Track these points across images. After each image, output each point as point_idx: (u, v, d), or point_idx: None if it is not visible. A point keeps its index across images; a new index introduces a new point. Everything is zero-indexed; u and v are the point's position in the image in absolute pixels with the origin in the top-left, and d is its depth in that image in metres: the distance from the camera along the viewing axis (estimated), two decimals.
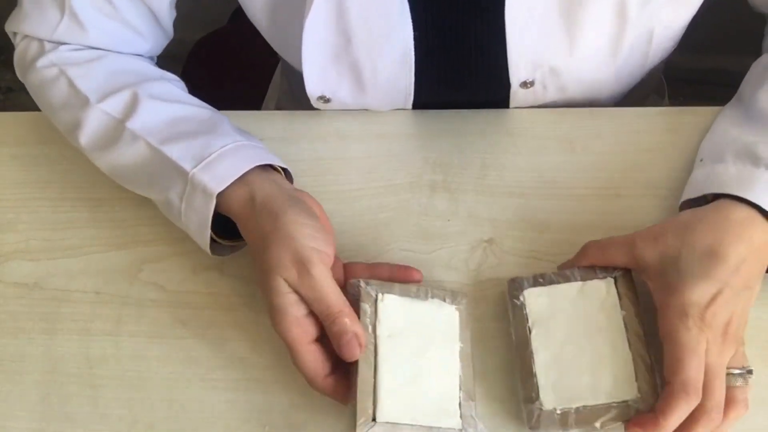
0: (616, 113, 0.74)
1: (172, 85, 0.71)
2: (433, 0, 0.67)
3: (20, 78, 0.74)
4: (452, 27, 0.69)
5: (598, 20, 0.66)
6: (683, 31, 0.72)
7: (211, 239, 0.63)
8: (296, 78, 0.73)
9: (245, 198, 0.61)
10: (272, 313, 0.58)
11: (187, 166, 0.62)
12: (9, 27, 0.72)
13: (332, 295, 0.57)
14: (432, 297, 0.62)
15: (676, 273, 0.56)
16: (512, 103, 0.74)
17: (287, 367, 0.63)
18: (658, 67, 0.80)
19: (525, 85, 0.71)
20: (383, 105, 0.74)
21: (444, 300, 0.62)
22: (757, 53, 0.74)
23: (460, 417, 0.58)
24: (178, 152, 0.63)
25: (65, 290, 0.69)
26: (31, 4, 0.70)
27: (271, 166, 0.65)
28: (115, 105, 0.67)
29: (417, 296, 0.61)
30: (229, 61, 1.22)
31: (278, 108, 0.99)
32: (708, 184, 0.61)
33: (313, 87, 0.72)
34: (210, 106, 0.70)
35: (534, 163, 0.71)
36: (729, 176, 0.60)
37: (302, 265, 0.57)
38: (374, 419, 0.56)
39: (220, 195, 0.60)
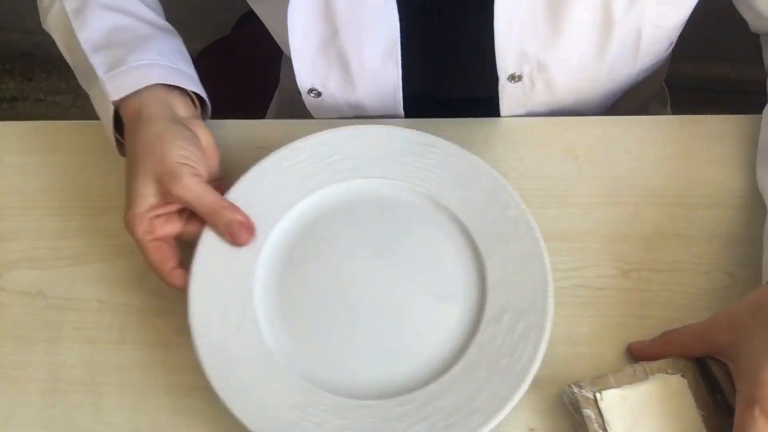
0: (618, 122, 0.74)
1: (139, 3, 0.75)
2: None
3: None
4: (439, 17, 0.70)
5: (581, 14, 0.66)
6: (676, 33, 0.72)
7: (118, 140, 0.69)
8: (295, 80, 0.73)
9: (134, 110, 0.67)
10: (126, 210, 0.63)
11: (100, 72, 0.68)
12: None
13: (209, 196, 0.63)
14: (652, 374, 0.58)
15: (747, 356, 0.52)
16: (502, 99, 0.74)
17: None
18: (659, 75, 0.80)
19: (513, 78, 0.71)
20: (373, 99, 0.75)
21: (666, 372, 0.58)
22: (760, 61, 0.74)
23: None
24: (99, 59, 0.69)
25: (68, 298, 0.69)
26: None
27: (188, 94, 0.70)
28: (70, 4, 0.72)
29: (635, 379, 0.58)
30: (233, 70, 1.23)
31: (282, 116, 0.99)
32: None
33: (303, 78, 0.73)
34: (163, 22, 0.75)
35: (536, 172, 0.71)
36: None
37: (172, 176, 0.62)
38: None
39: (122, 102, 0.67)
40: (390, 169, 0.69)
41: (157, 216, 0.64)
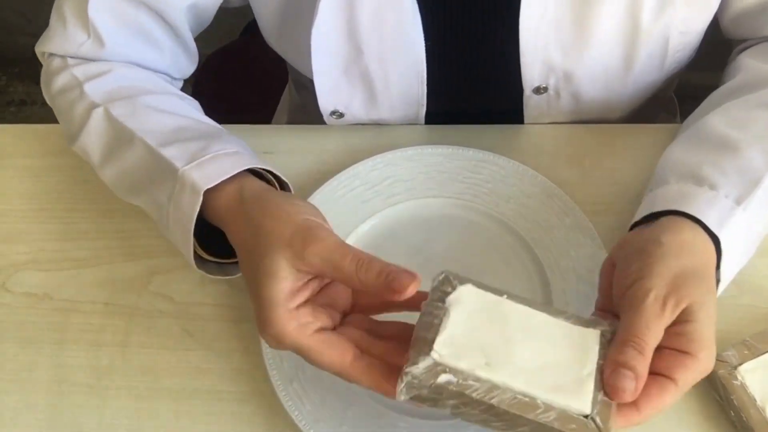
0: (626, 130, 0.74)
1: (180, 101, 0.71)
2: (445, 7, 0.67)
3: (43, 88, 0.74)
4: (464, 34, 0.70)
5: (608, 23, 0.66)
6: (700, 39, 0.72)
7: (198, 254, 0.61)
8: (307, 93, 0.73)
9: (234, 194, 0.58)
10: (261, 315, 0.51)
11: (178, 164, 0.60)
12: (38, 48, 0.74)
13: (352, 248, 0.52)
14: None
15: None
16: (526, 110, 0.74)
17: None
18: (669, 85, 0.80)
19: (538, 90, 0.71)
20: (396, 117, 0.75)
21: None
22: None
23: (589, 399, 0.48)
24: (172, 152, 0.61)
25: (74, 301, 0.69)
26: (57, 26, 0.71)
27: (266, 180, 0.63)
28: (118, 110, 0.66)
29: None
30: (241, 75, 1.23)
31: (289, 122, 0.99)
32: (651, 206, 0.58)
33: (325, 101, 0.72)
34: (216, 124, 0.69)
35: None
36: (672, 195, 0.58)
37: (307, 233, 0.52)
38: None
39: (208, 194, 0.58)
40: (444, 187, 0.70)
41: (302, 304, 0.52)
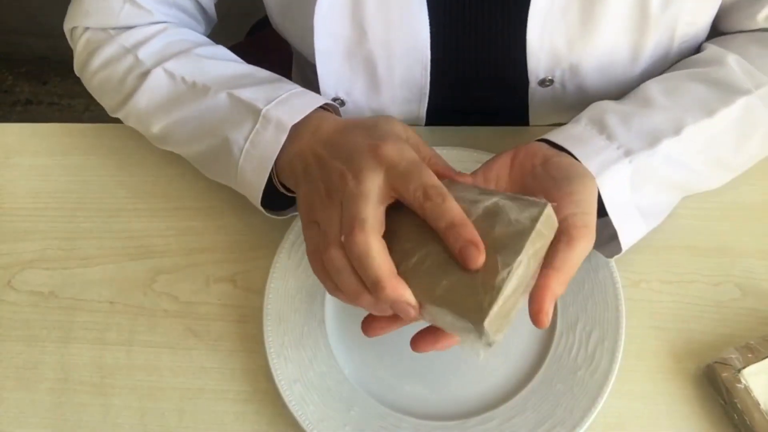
0: None
1: (227, 51, 0.73)
2: None
3: (80, 67, 0.74)
4: (471, 22, 0.70)
5: (617, 14, 0.66)
6: (706, 33, 0.72)
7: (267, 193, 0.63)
8: (311, 87, 0.73)
9: (315, 124, 0.60)
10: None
11: (260, 104, 0.62)
12: (69, 24, 0.74)
13: (424, 167, 0.52)
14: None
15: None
16: (531, 104, 0.74)
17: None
18: None
19: (543, 83, 0.71)
20: (398, 106, 0.74)
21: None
22: None
23: None
24: (249, 94, 0.64)
25: (80, 299, 0.70)
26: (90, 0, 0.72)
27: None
28: (176, 66, 0.68)
29: None
30: None
31: None
32: (558, 134, 0.60)
33: (327, 86, 0.72)
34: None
35: None
36: (575, 134, 0.60)
37: (383, 137, 0.54)
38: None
39: (293, 129, 0.60)
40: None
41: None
